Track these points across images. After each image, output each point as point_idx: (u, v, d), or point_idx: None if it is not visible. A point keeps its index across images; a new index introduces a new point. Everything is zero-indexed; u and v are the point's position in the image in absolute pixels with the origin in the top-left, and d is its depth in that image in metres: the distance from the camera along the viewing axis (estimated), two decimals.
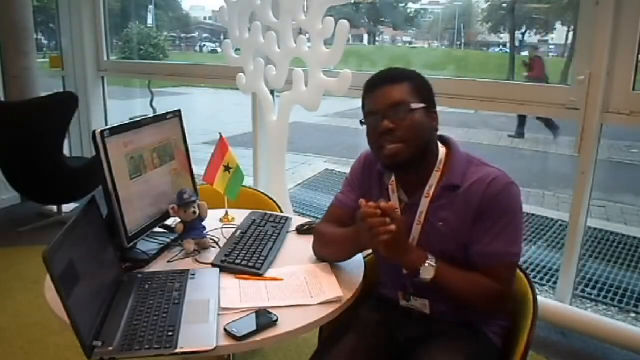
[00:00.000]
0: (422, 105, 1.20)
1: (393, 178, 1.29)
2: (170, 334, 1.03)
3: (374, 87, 1.24)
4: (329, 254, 1.36)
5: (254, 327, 1.06)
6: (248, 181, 2.72)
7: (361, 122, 1.26)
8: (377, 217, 1.10)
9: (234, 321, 1.08)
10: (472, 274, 1.17)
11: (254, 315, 1.10)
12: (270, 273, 1.30)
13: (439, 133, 1.28)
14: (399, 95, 1.19)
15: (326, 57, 2.42)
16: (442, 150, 1.27)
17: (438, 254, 1.17)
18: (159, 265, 1.37)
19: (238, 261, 1.34)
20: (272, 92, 2.81)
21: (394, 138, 1.18)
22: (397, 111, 1.18)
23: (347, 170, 1.45)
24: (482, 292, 1.17)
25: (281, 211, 1.85)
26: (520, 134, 7.00)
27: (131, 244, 1.35)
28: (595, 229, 3.65)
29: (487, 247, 1.18)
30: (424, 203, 1.23)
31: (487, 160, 1.26)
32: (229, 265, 1.33)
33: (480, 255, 1.19)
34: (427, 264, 1.15)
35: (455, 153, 1.26)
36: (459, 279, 1.17)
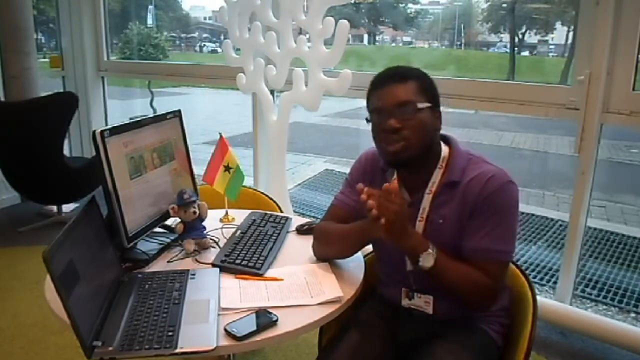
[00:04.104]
0: (427, 104, 1.21)
1: (395, 176, 1.29)
2: (170, 334, 1.03)
3: (380, 85, 1.24)
4: (331, 250, 1.35)
5: (254, 327, 1.06)
6: (248, 181, 2.72)
7: (367, 120, 1.27)
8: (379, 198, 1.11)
9: (234, 321, 1.08)
10: (467, 266, 1.18)
11: (254, 315, 1.10)
12: (270, 273, 1.30)
13: (440, 132, 1.28)
14: (406, 94, 1.20)
15: (326, 57, 2.42)
16: (444, 148, 1.28)
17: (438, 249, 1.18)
18: (159, 265, 1.37)
19: (238, 261, 1.34)
20: (272, 92, 2.81)
21: (399, 136, 1.19)
22: (404, 110, 1.19)
23: (347, 170, 1.45)
24: (474, 285, 1.17)
25: (281, 211, 1.85)
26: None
27: (131, 244, 1.35)
28: (595, 229, 3.64)
29: (478, 243, 1.19)
30: (427, 199, 1.24)
31: (488, 157, 1.27)
32: (229, 265, 1.33)
33: (471, 250, 1.19)
34: (427, 252, 1.15)
35: (456, 150, 1.27)
36: (455, 270, 1.18)
